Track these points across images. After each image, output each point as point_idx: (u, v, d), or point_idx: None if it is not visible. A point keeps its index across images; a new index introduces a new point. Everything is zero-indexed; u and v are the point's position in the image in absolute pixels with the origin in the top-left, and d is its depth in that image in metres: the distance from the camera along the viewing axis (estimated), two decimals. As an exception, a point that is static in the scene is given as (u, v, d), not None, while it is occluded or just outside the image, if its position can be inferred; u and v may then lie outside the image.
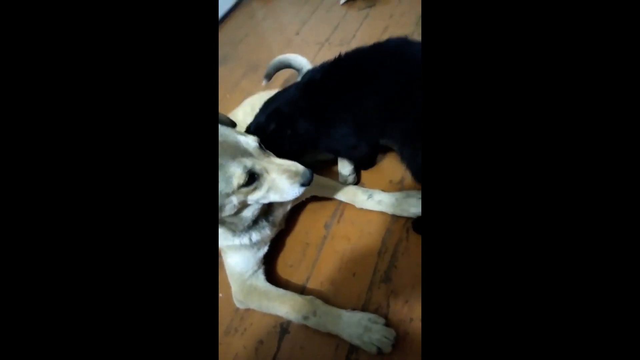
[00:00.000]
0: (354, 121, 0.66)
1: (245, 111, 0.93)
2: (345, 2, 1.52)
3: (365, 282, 0.64)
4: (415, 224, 0.68)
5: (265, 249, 0.70)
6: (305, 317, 0.60)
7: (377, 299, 0.62)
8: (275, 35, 1.59)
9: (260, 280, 0.68)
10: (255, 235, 0.66)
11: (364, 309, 0.61)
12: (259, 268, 0.69)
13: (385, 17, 1.32)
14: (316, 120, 0.67)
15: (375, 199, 0.73)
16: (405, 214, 0.70)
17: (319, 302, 0.61)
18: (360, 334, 0.55)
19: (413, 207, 0.69)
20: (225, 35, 1.76)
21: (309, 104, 0.67)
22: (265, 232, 0.68)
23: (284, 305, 0.62)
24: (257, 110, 0.92)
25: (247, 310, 0.68)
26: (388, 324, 0.56)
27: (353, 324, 0.56)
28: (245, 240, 0.65)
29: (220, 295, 0.73)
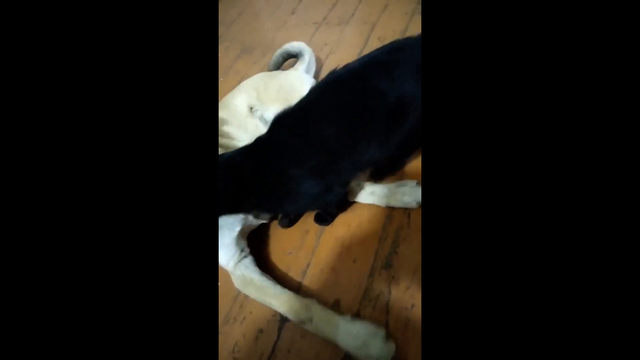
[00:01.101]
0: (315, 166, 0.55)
1: (250, 95, 0.88)
2: (342, -21, 1.45)
3: (366, 268, 0.63)
4: (317, 216, 0.69)
5: (236, 230, 0.67)
6: (302, 322, 0.58)
7: (378, 285, 0.60)
8: (269, 15, 1.52)
9: (253, 271, 0.66)
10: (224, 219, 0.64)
11: (365, 296, 0.60)
12: (243, 256, 0.67)
13: (384, -5, 1.26)
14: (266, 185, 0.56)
15: (367, 190, 0.70)
16: (399, 204, 0.68)
17: (317, 308, 0.58)
18: (359, 346, 0.53)
19: (407, 195, 0.67)
20: (218, 15, 1.68)
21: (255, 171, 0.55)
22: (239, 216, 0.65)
23: (281, 305, 0.61)
24: (264, 94, 0.88)
25: (247, 298, 0.67)
26: (389, 334, 0.54)
27: (351, 336, 0.54)
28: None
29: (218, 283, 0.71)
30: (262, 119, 0.86)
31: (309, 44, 1.24)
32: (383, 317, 0.57)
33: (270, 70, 1.13)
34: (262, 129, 0.84)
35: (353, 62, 0.59)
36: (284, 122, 0.58)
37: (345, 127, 0.55)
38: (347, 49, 1.15)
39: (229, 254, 0.67)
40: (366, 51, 1.11)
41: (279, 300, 0.62)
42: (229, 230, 0.68)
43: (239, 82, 1.21)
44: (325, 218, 0.71)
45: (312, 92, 0.60)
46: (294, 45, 1.07)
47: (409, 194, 0.67)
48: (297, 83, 0.94)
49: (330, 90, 0.57)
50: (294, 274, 0.67)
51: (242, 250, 0.68)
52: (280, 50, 1.10)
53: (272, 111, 0.84)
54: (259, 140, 0.58)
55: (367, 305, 0.59)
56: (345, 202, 0.71)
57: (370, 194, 0.70)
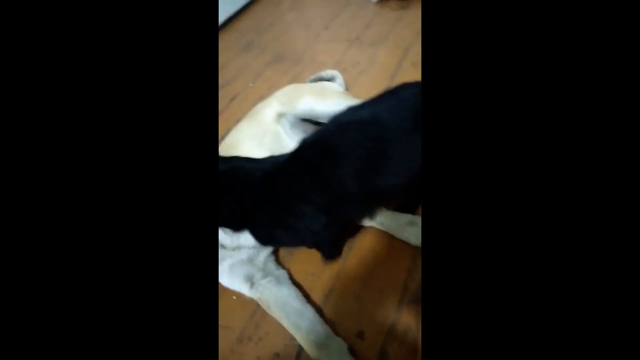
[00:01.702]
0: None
1: (280, 102, 0.87)
2: (378, 1, 1.47)
3: (393, 300, 0.60)
4: (322, 254, 0.66)
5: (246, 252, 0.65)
6: None
7: (406, 320, 0.58)
8: (302, 27, 1.53)
9: (269, 295, 0.63)
10: (226, 239, 0.62)
11: (391, 330, 0.57)
12: (261, 277, 0.65)
13: (418, 21, 1.27)
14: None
15: (378, 219, 0.68)
16: (406, 241, 0.66)
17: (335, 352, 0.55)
18: None
19: (413, 237, 0.65)
20: (249, 22, 1.70)
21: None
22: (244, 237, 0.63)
23: (298, 338, 0.59)
24: (294, 96, 0.87)
25: (263, 317, 0.64)
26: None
27: None
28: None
29: (233, 297, 0.68)
30: (292, 124, 0.85)
31: (340, 61, 1.25)
32: (411, 357, 0.54)
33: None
34: (285, 140, 0.83)
35: (379, 104, 0.57)
36: (305, 153, 0.56)
37: (361, 169, 0.53)
38: (379, 70, 1.15)
39: (239, 278, 0.66)
40: (398, 75, 1.11)
41: (296, 333, 0.59)
42: (238, 252, 0.67)
43: (268, 90, 1.22)
44: (330, 254, 0.67)
45: (336, 125, 0.57)
46: (327, 72, 1.07)
47: (416, 236, 0.65)
48: (330, 87, 0.94)
49: (353, 128, 0.55)
50: (316, 297, 0.64)
51: (262, 270, 0.66)
52: (313, 76, 1.10)
53: (304, 103, 0.83)
54: (279, 164, 0.56)
55: (393, 341, 0.56)
56: (348, 234, 0.68)
57: (380, 224, 0.68)
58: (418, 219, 0.66)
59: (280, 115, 0.86)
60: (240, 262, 0.67)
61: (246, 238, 0.67)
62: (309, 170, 0.53)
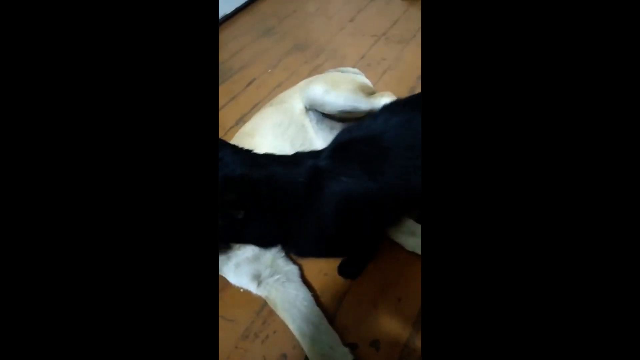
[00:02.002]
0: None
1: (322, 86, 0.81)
2: (407, -2, 1.43)
3: (412, 311, 0.57)
4: (342, 267, 0.61)
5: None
6: None
7: (423, 333, 0.55)
8: (325, 18, 1.49)
9: (277, 294, 0.60)
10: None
11: (408, 343, 0.54)
12: (268, 275, 0.62)
13: (449, 23, 1.23)
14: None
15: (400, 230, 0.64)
16: (403, 245, 0.63)
17: None
18: None
19: (409, 245, 0.62)
20: (271, 7, 1.64)
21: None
22: None
23: (303, 344, 0.55)
24: (334, 85, 0.81)
25: (271, 314, 0.61)
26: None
27: None
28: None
29: (240, 290, 0.65)
30: (318, 119, 0.80)
31: (364, 55, 1.20)
32: (428, 372, 0.51)
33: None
34: (309, 133, 0.79)
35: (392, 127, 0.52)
36: (350, 152, 0.51)
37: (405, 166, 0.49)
38: (405, 69, 1.11)
39: (246, 276, 0.62)
40: (425, 75, 1.07)
41: (300, 338, 0.56)
42: (243, 250, 0.63)
43: (287, 78, 1.17)
44: (350, 271, 0.62)
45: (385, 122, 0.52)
46: (348, 69, 1.01)
47: (413, 246, 0.62)
48: (350, 78, 0.89)
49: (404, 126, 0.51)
50: (329, 299, 0.61)
51: (270, 267, 0.63)
52: (333, 70, 1.05)
53: (313, 91, 0.77)
54: (321, 167, 0.49)
55: (410, 355, 0.53)
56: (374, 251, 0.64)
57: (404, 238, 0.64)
58: (418, 229, 0.63)
59: (307, 109, 0.81)
60: (246, 260, 0.64)
61: None
62: (358, 172, 0.48)
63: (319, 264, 0.66)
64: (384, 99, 0.75)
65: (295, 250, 0.50)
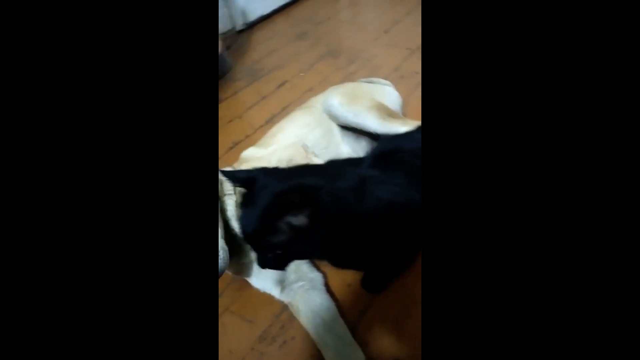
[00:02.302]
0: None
1: (340, 99, 0.79)
2: (444, 14, 1.42)
3: (436, 333, 0.55)
4: (365, 280, 0.59)
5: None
6: None
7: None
8: (359, 27, 1.49)
9: (301, 302, 0.59)
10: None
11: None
12: (292, 282, 0.61)
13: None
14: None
15: None
16: None
17: None
18: None
19: None
20: (306, 12, 1.67)
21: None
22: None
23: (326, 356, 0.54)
24: (352, 99, 0.80)
25: (291, 319, 0.60)
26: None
27: None
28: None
29: (261, 290, 0.64)
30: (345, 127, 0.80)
31: (398, 68, 1.20)
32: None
33: None
34: (336, 137, 0.78)
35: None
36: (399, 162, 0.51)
37: None
38: (439, 84, 1.10)
39: (270, 281, 0.62)
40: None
41: (322, 349, 0.55)
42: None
43: (319, 83, 1.18)
44: (375, 284, 0.60)
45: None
46: (381, 82, 0.99)
47: None
48: (389, 99, 0.87)
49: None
50: (350, 310, 0.60)
51: (294, 273, 0.62)
52: (364, 79, 1.03)
53: (353, 114, 0.75)
54: (366, 177, 0.47)
55: (432, 378, 0.51)
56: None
57: None
58: None
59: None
60: None
61: None
62: (403, 182, 0.47)
63: (342, 274, 0.65)
64: (402, 127, 0.70)
65: (335, 259, 0.49)
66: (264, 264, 0.43)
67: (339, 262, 0.49)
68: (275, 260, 0.42)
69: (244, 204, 0.44)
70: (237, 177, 0.44)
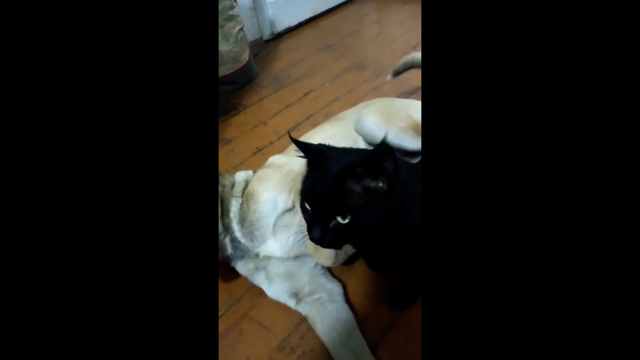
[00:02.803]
0: None
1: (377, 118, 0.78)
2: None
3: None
4: (390, 295, 0.58)
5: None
6: None
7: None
8: (388, 42, 1.51)
9: (316, 316, 0.58)
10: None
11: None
12: (307, 294, 0.60)
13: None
14: None
15: None
16: None
17: None
18: None
19: None
20: (333, 24, 1.70)
21: None
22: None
23: None
24: (390, 118, 0.80)
25: (311, 329, 0.58)
26: None
27: None
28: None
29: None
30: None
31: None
32: None
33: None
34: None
35: None
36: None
37: None
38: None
39: (284, 292, 0.61)
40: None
41: None
42: (273, 264, 0.62)
43: (345, 95, 1.18)
44: (399, 300, 0.59)
45: None
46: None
47: None
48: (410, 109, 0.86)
49: None
50: (373, 326, 0.58)
51: (309, 284, 0.61)
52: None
53: (392, 135, 0.73)
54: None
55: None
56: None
57: None
58: None
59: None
60: (279, 276, 0.62)
61: (270, 245, 0.62)
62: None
63: (364, 286, 0.63)
64: None
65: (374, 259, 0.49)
66: (322, 238, 0.43)
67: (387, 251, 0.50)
68: (336, 235, 0.42)
69: (310, 169, 0.45)
70: (307, 147, 0.46)
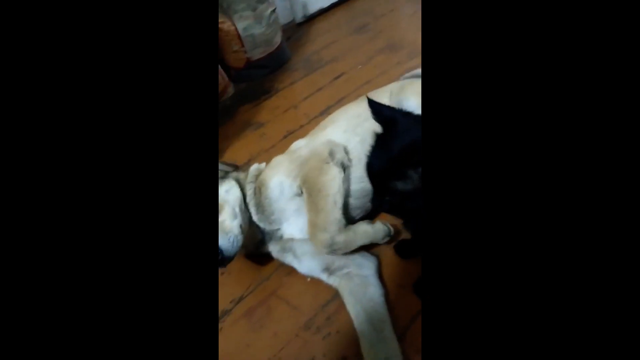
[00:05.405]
0: None
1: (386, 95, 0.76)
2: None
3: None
4: (418, 286, 0.56)
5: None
6: None
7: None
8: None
9: (346, 295, 0.58)
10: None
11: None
12: (336, 268, 0.61)
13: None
14: None
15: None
16: None
17: None
18: None
19: None
20: (365, 5, 1.63)
21: None
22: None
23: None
24: (398, 92, 0.76)
25: (338, 311, 0.59)
26: None
27: None
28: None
29: (307, 279, 0.64)
30: None
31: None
32: None
33: None
34: None
35: None
36: None
37: None
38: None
39: (317, 267, 0.62)
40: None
41: (360, 340, 0.53)
42: (300, 244, 0.63)
43: (377, 76, 1.14)
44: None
45: None
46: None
47: None
48: None
49: None
50: (402, 314, 0.57)
51: (340, 259, 0.61)
52: (408, 74, 0.97)
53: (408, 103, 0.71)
54: None
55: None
56: None
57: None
58: None
59: None
60: (309, 253, 0.63)
61: (286, 228, 0.64)
62: None
63: (396, 274, 0.62)
64: None
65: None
66: (376, 205, 0.44)
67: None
68: (391, 206, 0.43)
69: (379, 136, 0.43)
70: (380, 112, 0.43)
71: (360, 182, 0.64)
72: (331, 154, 0.62)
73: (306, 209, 0.60)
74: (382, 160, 0.41)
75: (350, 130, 0.69)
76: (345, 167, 0.62)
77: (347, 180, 0.62)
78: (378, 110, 0.43)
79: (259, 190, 0.65)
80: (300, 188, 0.61)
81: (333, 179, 0.59)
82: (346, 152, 0.65)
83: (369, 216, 0.67)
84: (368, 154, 0.44)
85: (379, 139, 0.43)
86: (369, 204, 0.65)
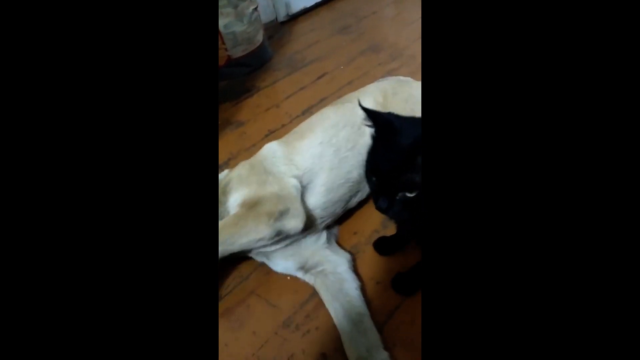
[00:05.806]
0: None
1: (376, 98, 0.76)
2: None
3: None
4: (396, 281, 0.58)
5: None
6: None
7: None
8: (405, 25, 1.45)
9: (323, 291, 0.59)
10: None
11: None
12: (311, 267, 0.62)
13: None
14: None
15: None
16: None
17: None
18: None
19: None
20: (348, 7, 1.65)
21: None
22: None
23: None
24: (390, 100, 0.78)
25: (316, 309, 0.59)
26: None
27: None
28: None
29: (287, 277, 0.64)
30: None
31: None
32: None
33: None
34: (365, 138, 0.74)
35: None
36: None
37: None
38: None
39: (291, 265, 0.63)
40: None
41: (341, 335, 0.55)
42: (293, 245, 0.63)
43: (360, 77, 1.16)
44: (405, 286, 0.58)
45: None
46: (407, 80, 0.89)
47: None
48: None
49: None
50: (378, 309, 0.58)
51: (312, 257, 0.62)
52: (390, 77, 0.96)
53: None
54: None
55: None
56: None
57: None
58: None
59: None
60: (277, 256, 0.64)
61: None
62: None
63: (372, 270, 0.63)
64: None
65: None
66: (388, 209, 0.42)
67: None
68: (403, 207, 0.42)
69: (378, 139, 0.44)
70: (376, 117, 0.43)
71: (328, 193, 0.64)
72: (278, 216, 0.59)
73: (229, 219, 0.60)
74: (389, 158, 0.41)
75: (326, 142, 0.68)
76: (279, 234, 0.60)
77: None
78: (373, 116, 0.44)
79: (220, 200, 0.65)
80: (240, 206, 0.61)
81: (255, 234, 0.57)
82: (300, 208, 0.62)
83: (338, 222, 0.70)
84: (368, 159, 0.44)
85: (379, 141, 0.44)
86: (337, 211, 0.68)
